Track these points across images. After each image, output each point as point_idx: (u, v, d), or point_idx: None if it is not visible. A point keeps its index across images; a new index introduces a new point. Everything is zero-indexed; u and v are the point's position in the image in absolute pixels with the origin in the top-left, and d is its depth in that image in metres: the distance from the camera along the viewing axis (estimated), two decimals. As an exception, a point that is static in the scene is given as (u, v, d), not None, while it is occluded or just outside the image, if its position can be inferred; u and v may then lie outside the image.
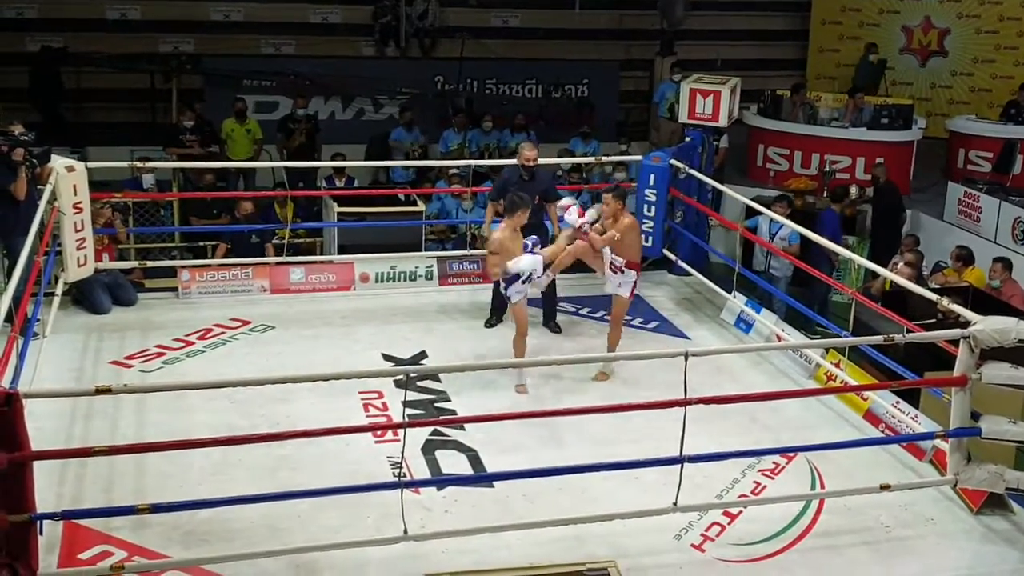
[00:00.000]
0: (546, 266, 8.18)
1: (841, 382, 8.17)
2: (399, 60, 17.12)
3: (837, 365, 8.30)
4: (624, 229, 8.20)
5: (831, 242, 8.99)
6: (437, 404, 7.91)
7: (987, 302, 8.83)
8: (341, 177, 12.82)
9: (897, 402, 7.69)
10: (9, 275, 7.60)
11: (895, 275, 8.34)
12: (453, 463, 7.11)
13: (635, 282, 8.37)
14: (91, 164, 9.46)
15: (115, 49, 15.71)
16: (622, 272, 8.28)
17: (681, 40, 17.15)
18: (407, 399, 6.30)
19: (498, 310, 9.36)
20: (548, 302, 9.37)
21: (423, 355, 8.67)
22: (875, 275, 9.43)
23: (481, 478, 6.91)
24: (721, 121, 10.41)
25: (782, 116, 14.94)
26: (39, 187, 8.78)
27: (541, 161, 12.74)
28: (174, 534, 6.09)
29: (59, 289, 8.98)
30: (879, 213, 12.34)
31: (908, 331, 7.06)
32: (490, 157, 14.00)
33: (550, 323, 9.35)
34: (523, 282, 8.01)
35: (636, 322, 9.69)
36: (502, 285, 8.15)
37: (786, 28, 18.91)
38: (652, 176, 10.22)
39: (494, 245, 8.04)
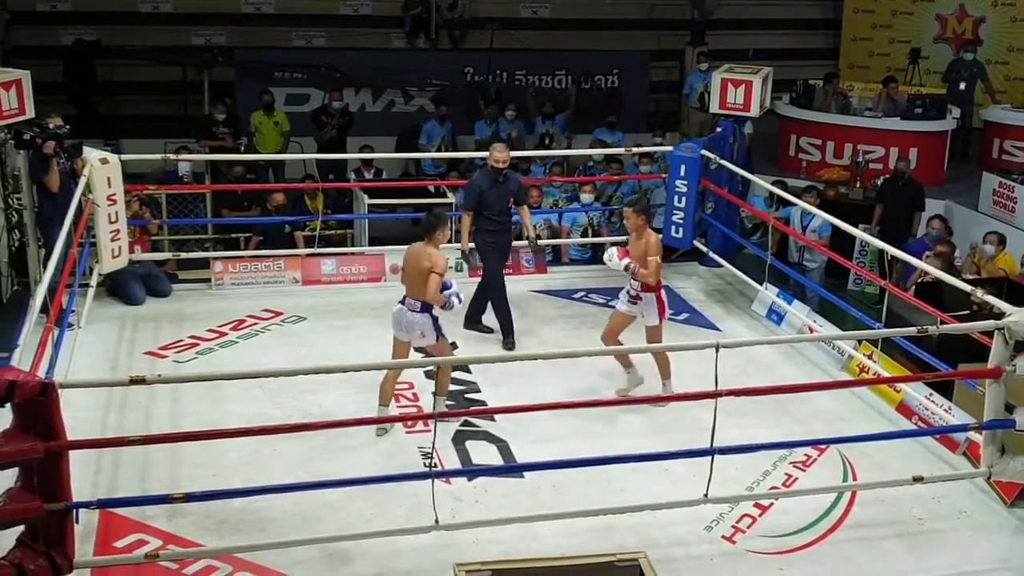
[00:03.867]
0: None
1: (874, 374, 8.12)
2: (429, 52, 17.13)
3: (870, 357, 8.25)
4: (657, 251, 7.70)
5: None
6: (467, 395, 7.94)
7: (1022, 293, 8.74)
8: (369, 169, 12.86)
9: (930, 394, 7.64)
10: (45, 266, 7.69)
11: (927, 265, 8.27)
12: (483, 454, 7.14)
13: (659, 305, 7.79)
14: (124, 156, 9.55)
15: (148, 42, 15.81)
16: (640, 299, 7.78)
17: (712, 30, 17.05)
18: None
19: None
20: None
21: (453, 346, 8.68)
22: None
23: (511, 468, 6.94)
24: (753, 111, 10.35)
25: (814, 106, 14.82)
26: (74, 180, 8.86)
27: (569, 152, 12.72)
28: (208, 523, 6.15)
29: (94, 280, 9.07)
30: (897, 207, 12.27)
31: (942, 322, 7.02)
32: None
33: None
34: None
35: (666, 314, 9.65)
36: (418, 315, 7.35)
37: (819, 17, 18.75)
38: (683, 167, 10.19)
39: (442, 266, 7.26)
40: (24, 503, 5.13)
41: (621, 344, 7.86)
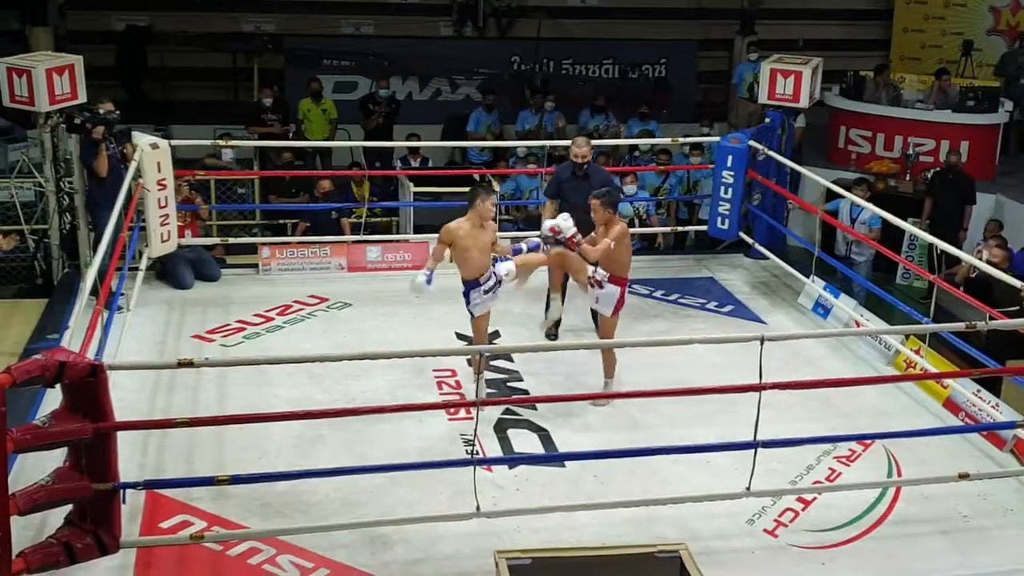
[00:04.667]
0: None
1: (921, 369, 8.03)
2: (476, 40, 17.13)
3: (917, 352, 8.16)
4: (617, 237, 7.41)
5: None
6: (510, 383, 7.96)
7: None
8: (416, 157, 12.91)
9: (978, 390, 7.55)
10: (95, 249, 7.79)
11: (986, 259, 8.16)
12: (525, 442, 7.15)
13: (619, 298, 7.56)
14: (175, 142, 9.64)
15: (198, 28, 15.97)
16: (601, 287, 7.51)
17: (762, 19, 16.90)
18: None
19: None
20: None
21: (496, 335, 8.69)
22: (957, 260, 9.22)
23: (552, 458, 6.94)
24: (802, 102, 10.24)
25: (865, 97, 14.65)
26: (124, 165, 8.97)
27: (617, 142, 12.58)
28: (252, 505, 6.22)
29: (143, 264, 9.18)
30: (947, 201, 12.11)
31: (991, 318, 6.92)
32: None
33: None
34: (486, 292, 7.41)
35: (711, 306, 9.63)
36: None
37: (870, 7, 18.52)
38: (730, 158, 10.12)
39: (442, 235, 7.33)
40: (72, 483, 5.21)
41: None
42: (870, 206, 9.64)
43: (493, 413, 7.36)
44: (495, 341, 8.58)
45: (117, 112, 9.18)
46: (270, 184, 12.47)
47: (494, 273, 7.44)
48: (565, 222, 7.55)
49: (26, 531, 5.46)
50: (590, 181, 8.47)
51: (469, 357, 7.78)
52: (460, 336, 8.66)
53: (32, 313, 8.84)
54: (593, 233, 7.73)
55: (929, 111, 14.25)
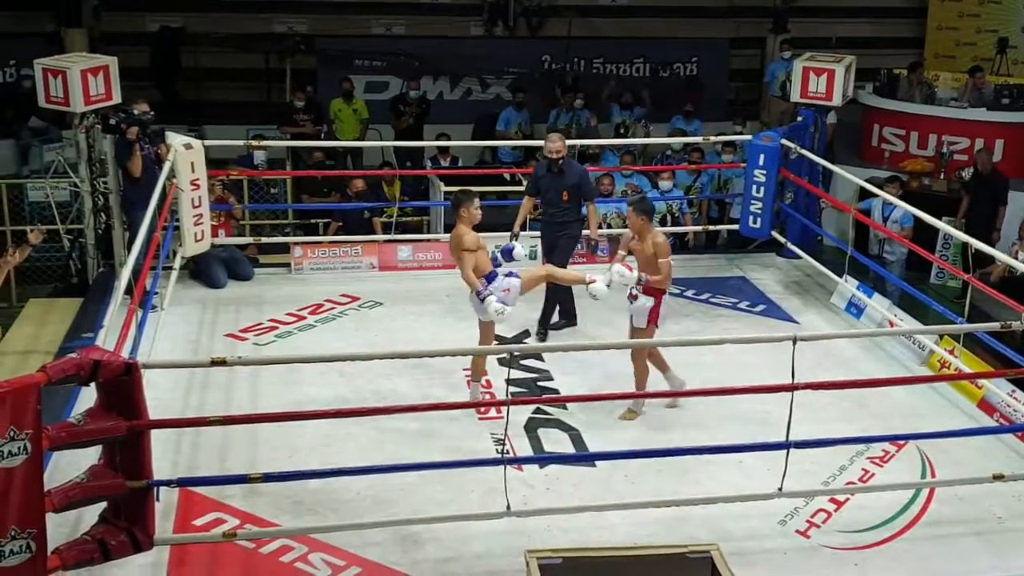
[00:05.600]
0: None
1: (955, 370, 7.96)
2: (507, 39, 17.13)
3: (951, 352, 8.09)
4: (667, 253, 7.28)
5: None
6: (540, 383, 7.96)
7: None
8: (446, 157, 12.94)
9: (1013, 391, 7.48)
10: (129, 249, 7.86)
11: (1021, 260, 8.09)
12: (555, 442, 7.15)
13: (653, 310, 7.35)
14: (208, 142, 9.71)
15: (231, 29, 16.06)
16: (635, 299, 7.38)
17: (795, 17, 16.80)
18: (510, 377, 6.35)
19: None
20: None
21: (526, 334, 8.71)
22: (991, 260, 9.12)
23: (583, 457, 6.94)
24: (835, 100, 10.18)
25: (898, 95, 14.53)
26: (159, 165, 9.04)
27: (646, 141, 12.53)
28: (284, 503, 6.26)
29: (177, 263, 9.25)
30: (980, 200, 11.98)
31: (1027, 319, 6.85)
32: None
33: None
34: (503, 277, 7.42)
35: (743, 305, 9.59)
36: (475, 296, 7.42)
37: (903, 5, 18.37)
38: (762, 156, 10.07)
39: (469, 242, 7.27)
40: (107, 480, 5.26)
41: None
42: (902, 204, 9.57)
43: (523, 413, 7.37)
44: (525, 340, 8.59)
45: (152, 113, 9.26)
46: (302, 184, 12.54)
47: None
48: (622, 278, 7.30)
49: (61, 528, 5.52)
50: (564, 176, 8.66)
51: (500, 358, 7.78)
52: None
53: (67, 312, 8.94)
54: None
55: (963, 109, 14.11)
